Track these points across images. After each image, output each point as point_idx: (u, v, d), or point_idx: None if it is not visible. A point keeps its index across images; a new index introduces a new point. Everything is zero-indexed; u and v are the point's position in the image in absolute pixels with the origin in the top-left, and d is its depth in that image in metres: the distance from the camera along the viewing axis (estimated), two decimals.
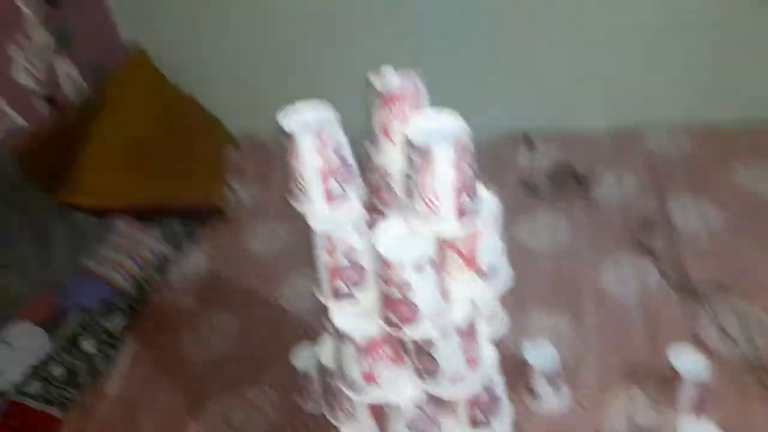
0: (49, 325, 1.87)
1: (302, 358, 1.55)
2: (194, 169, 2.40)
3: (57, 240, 2.10)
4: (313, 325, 1.80)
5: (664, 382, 1.43)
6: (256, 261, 2.10)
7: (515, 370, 1.39)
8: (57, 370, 1.77)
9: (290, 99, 0.96)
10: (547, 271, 1.84)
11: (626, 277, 1.79)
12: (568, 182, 2.15)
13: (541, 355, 1.47)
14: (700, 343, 1.51)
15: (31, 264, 2.01)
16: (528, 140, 2.36)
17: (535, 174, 2.20)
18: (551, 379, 1.45)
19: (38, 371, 1.76)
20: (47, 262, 2.04)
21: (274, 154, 2.58)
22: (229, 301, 1.95)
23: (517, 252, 1.01)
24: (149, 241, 2.16)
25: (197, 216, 2.30)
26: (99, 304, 1.95)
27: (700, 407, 1.38)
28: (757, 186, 2.03)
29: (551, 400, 1.46)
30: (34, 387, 1.72)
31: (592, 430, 1.42)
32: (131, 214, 2.26)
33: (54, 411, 1.69)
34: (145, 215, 2.26)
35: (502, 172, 2.17)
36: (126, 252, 2.12)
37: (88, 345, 1.84)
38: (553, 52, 2.28)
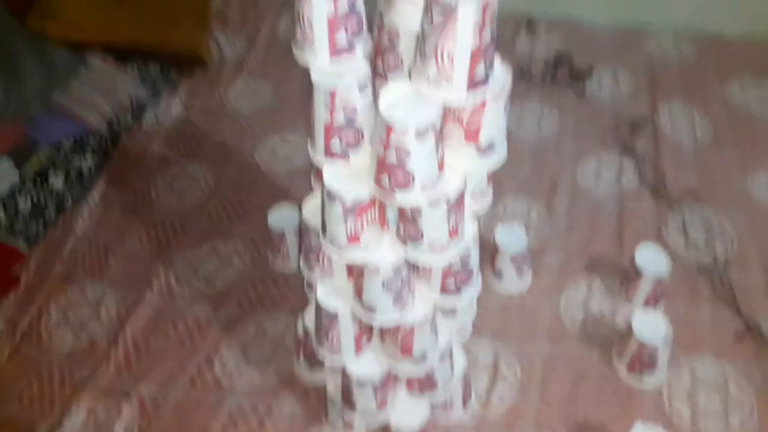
0: (18, 156, 1.83)
1: (278, 218, 1.54)
2: (176, 12, 2.27)
3: (26, 69, 2.00)
4: (289, 187, 1.80)
5: (624, 277, 1.47)
6: (234, 116, 2.04)
7: (484, 250, 1.40)
8: (23, 203, 1.74)
9: None
10: (527, 160, 1.83)
11: (604, 175, 1.79)
12: (564, 74, 2.10)
13: (511, 238, 1.48)
14: (663, 244, 1.54)
15: None
16: (531, 26, 2.27)
17: (532, 61, 2.14)
18: (517, 262, 1.48)
19: (4, 202, 1.73)
20: (16, 91, 1.95)
21: (262, 6, 2.45)
22: (204, 153, 1.91)
23: None
24: (125, 82, 2.07)
25: (177, 63, 2.20)
26: (70, 142, 1.90)
27: (654, 301, 1.43)
28: (749, 102, 2.01)
29: (513, 281, 1.50)
30: None
31: (546, 311, 1.47)
32: (108, 52, 2.15)
33: (19, 244, 1.68)
34: (122, 55, 2.16)
35: (500, 55, 2.09)
36: (100, 91, 2.04)
37: (56, 181, 1.80)
38: None
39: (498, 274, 1.50)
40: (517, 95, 1.94)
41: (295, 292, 1.51)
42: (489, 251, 1.49)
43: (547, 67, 2.11)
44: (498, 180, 1.59)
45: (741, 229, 1.62)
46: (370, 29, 0.91)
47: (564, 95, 2.05)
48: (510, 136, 0.91)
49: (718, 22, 2.22)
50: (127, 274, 1.58)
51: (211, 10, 2.33)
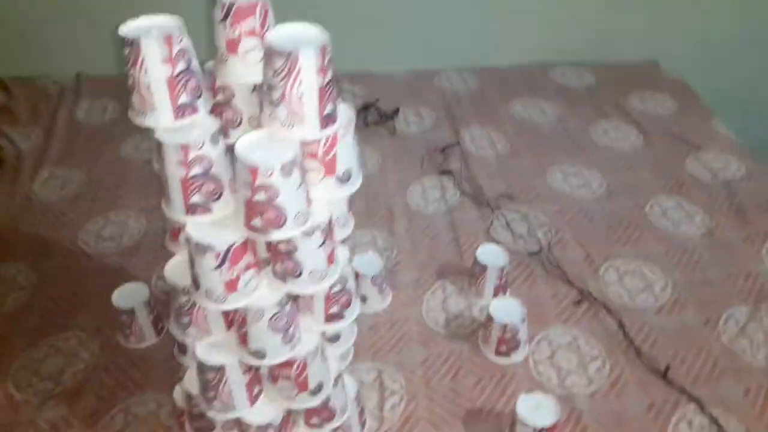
0: None
1: (124, 297, 1.46)
2: None
3: None
4: (124, 266, 1.70)
5: (471, 275, 1.60)
6: (44, 209, 1.89)
7: None
8: None
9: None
10: (361, 197, 1.91)
11: (430, 195, 1.95)
12: (374, 117, 2.27)
13: (367, 264, 1.55)
14: (494, 242, 1.71)
15: None
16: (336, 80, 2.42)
17: None
18: (377, 284, 1.54)
19: None
20: None
21: (52, 97, 2.34)
22: (20, 252, 1.74)
23: None
24: None
25: None
26: None
27: (502, 290, 1.57)
28: (531, 117, 2.34)
29: (377, 302, 1.56)
30: None
31: (412, 321, 1.55)
32: None
33: None
34: None
35: None
36: None
37: None
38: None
39: (362, 299, 1.54)
40: None
41: (157, 367, 1.42)
42: None
43: (357, 114, 2.26)
44: None
45: (552, 216, 1.86)
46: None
47: (378, 135, 2.21)
48: None
49: (494, 57, 2.60)
50: None
51: None
